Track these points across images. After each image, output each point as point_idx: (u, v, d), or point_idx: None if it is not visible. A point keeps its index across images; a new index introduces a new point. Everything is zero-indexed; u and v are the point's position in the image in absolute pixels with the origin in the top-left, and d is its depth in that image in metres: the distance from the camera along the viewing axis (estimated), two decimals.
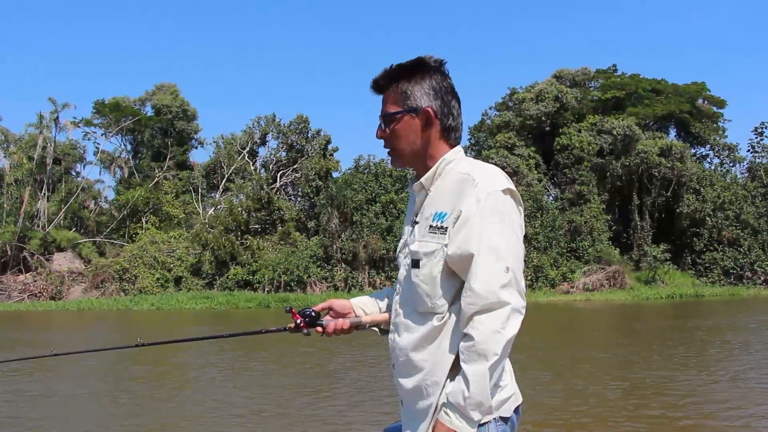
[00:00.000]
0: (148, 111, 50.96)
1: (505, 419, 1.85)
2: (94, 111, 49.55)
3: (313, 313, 2.17)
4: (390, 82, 1.95)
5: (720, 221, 36.83)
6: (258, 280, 33.03)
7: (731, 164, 42.44)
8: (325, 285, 33.56)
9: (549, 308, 26.93)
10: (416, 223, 1.95)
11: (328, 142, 41.76)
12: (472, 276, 1.75)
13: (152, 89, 52.38)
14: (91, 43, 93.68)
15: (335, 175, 40.45)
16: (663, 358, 11.32)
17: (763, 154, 42.65)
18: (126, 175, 46.97)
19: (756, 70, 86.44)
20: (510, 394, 1.89)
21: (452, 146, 1.97)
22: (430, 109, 1.91)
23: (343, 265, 34.22)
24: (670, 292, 31.21)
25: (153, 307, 29.50)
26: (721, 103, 42.65)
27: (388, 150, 2.00)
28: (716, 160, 42.95)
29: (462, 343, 1.76)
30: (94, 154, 49.06)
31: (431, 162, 1.94)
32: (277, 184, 40.76)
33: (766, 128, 42.96)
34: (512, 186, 1.85)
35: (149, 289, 33.11)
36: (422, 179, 1.94)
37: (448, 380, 1.83)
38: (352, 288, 33.22)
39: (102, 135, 49.45)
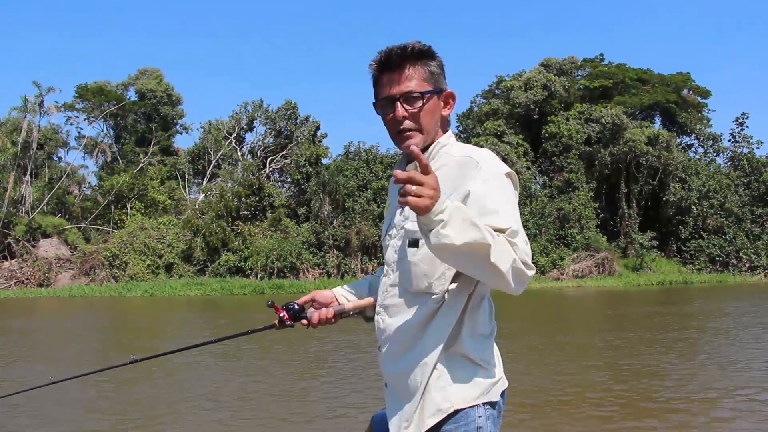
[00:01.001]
0: (131, 95, 50.35)
1: (492, 404, 1.86)
2: (77, 95, 48.81)
3: (296, 306, 2.16)
4: (416, 59, 1.90)
5: (705, 209, 37.55)
6: (250, 267, 32.91)
7: (714, 154, 43.18)
8: (317, 271, 33.57)
9: (542, 294, 27.24)
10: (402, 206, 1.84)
11: (318, 128, 41.59)
12: (496, 216, 1.70)
13: (135, 74, 51.68)
14: (72, 26, 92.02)
15: (325, 161, 40.35)
16: (657, 343, 11.54)
17: (743, 144, 43.50)
18: (109, 160, 46.33)
19: (738, 61, 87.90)
20: (497, 378, 1.89)
21: (445, 131, 1.99)
22: (454, 93, 1.96)
23: (335, 251, 34.23)
24: (661, 279, 31.75)
25: (146, 293, 29.25)
26: (705, 93, 43.30)
27: (411, 130, 1.90)
28: (701, 150, 43.69)
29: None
30: (75, 139, 48.48)
31: (429, 144, 1.94)
32: (266, 171, 40.53)
33: (746, 119, 43.85)
34: (509, 168, 1.86)
35: (140, 275, 32.81)
36: (415, 162, 1.86)
37: (438, 363, 1.82)
38: (345, 274, 33.27)
39: (84, 120, 48.84)
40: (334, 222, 34.82)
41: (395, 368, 1.91)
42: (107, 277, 33.26)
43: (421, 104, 1.89)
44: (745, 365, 8.94)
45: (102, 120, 49.03)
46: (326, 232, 34.37)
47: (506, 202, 1.75)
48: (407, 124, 1.90)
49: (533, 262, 1.73)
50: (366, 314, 2.17)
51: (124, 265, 33.50)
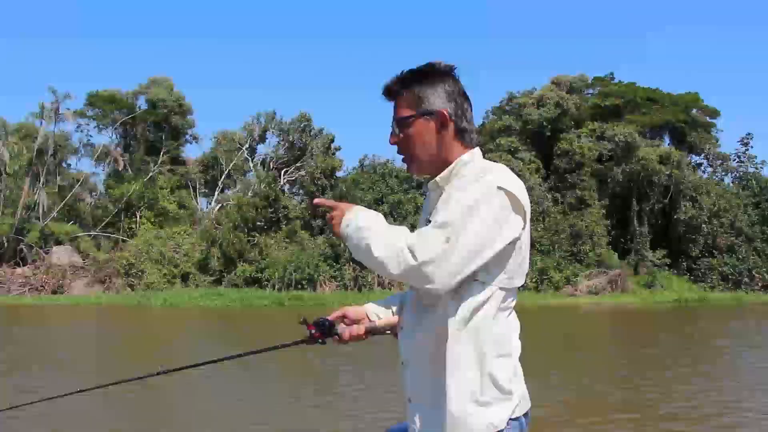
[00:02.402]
0: (141, 104, 50.36)
1: (514, 419, 1.87)
2: (87, 103, 48.82)
3: (327, 323, 2.16)
4: (402, 87, 1.95)
5: (715, 228, 37.94)
6: (267, 278, 32.92)
7: (723, 173, 43.70)
8: (334, 284, 33.61)
9: (562, 311, 27.47)
10: (429, 221, 1.92)
11: (332, 140, 41.78)
12: (422, 229, 1.78)
13: (146, 82, 51.78)
14: (82, 33, 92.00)
15: (339, 174, 40.50)
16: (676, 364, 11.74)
17: (748, 164, 44.08)
18: (121, 168, 46.29)
19: (746, 81, 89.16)
20: (518, 400, 1.88)
21: (468, 148, 1.97)
22: (444, 111, 1.92)
23: (352, 264, 34.30)
24: (678, 297, 32.04)
25: (166, 303, 29.21)
26: (714, 113, 43.84)
27: (403, 156, 1.99)
28: (709, 169, 44.18)
29: (416, 233, 1.77)
30: (83, 147, 48.37)
31: (448, 163, 1.95)
32: (281, 182, 40.63)
33: (750, 139, 44.46)
34: (513, 190, 1.82)
35: (156, 284, 32.75)
36: (437, 178, 1.96)
37: (456, 382, 1.83)
38: (362, 287, 33.32)
39: (95, 128, 48.82)
40: None
41: (416, 385, 1.93)
42: (123, 285, 33.16)
43: (405, 131, 1.94)
44: None
45: (111, 128, 49.07)
46: (342, 245, 34.41)
47: (460, 203, 1.76)
48: (401, 150, 1.99)
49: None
50: (397, 330, 2.16)
51: (140, 273, 33.42)
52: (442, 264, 1.70)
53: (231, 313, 26.07)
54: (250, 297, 30.13)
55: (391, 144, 1.99)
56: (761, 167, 43.61)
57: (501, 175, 1.87)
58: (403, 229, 1.77)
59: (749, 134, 44.30)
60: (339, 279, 33.83)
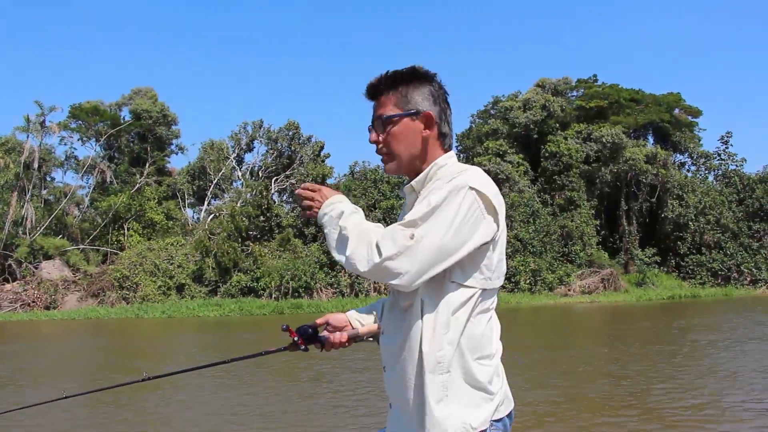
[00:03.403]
0: (125, 115, 49.94)
1: (497, 420, 1.87)
2: (70, 115, 48.29)
3: (310, 330, 2.15)
4: (389, 86, 1.96)
5: (702, 225, 38.65)
6: (263, 287, 32.81)
7: (707, 171, 44.53)
8: (330, 291, 33.62)
9: (555, 310, 27.79)
10: None
11: (322, 148, 41.83)
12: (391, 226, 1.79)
13: (129, 93, 51.40)
14: (62, 45, 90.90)
15: (329, 181, 40.53)
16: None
17: (728, 162, 44.96)
18: (108, 180, 45.82)
19: (726, 80, 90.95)
20: (500, 400, 1.89)
21: (445, 151, 1.99)
22: (431, 113, 1.94)
23: (347, 271, 34.32)
24: (671, 294, 32.59)
25: (164, 315, 29.00)
26: (696, 113, 44.68)
27: (384, 154, 1.99)
28: (693, 168, 45.01)
29: (390, 229, 1.77)
30: (66, 159, 47.82)
31: (424, 166, 1.96)
32: (272, 191, 40.56)
33: (730, 137, 45.39)
34: (484, 190, 1.80)
35: (152, 296, 32.47)
36: (413, 182, 1.98)
37: (436, 385, 1.81)
38: (359, 294, 33.39)
39: (78, 140, 48.34)
40: None
41: (396, 388, 1.92)
42: (118, 298, 32.82)
43: (388, 129, 1.94)
44: None
45: (94, 140, 48.60)
46: None
47: (430, 202, 1.77)
48: (381, 149, 1.98)
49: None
50: (379, 337, 2.13)
51: (134, 286, 33.11)
52: (404, 260, 1.70)
53: (231, 322, 25.95)
54: (249, 306, 30.01)
55: (372, 142, 1.99)
56: (741, 165, 44.55)
57: (473, 175, 1.84)
58: (377, 226, 1.80)
59: (728, 132, 45.32)
60: (335, 286, 33.85)
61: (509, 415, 1.93)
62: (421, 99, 1.94)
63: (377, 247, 1.71)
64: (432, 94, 1.96)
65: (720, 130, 73.86)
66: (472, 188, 1.78)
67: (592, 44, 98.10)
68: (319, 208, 1.88)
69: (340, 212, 1.84)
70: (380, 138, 1.97)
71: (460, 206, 1.76)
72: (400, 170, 1.99)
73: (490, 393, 1.85)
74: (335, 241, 1.81)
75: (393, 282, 1.72)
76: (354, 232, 1.77)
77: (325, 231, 1.85)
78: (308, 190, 1.92)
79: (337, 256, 1.82)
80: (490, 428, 1.83)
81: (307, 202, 1.90)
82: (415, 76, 1.97)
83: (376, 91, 1.99)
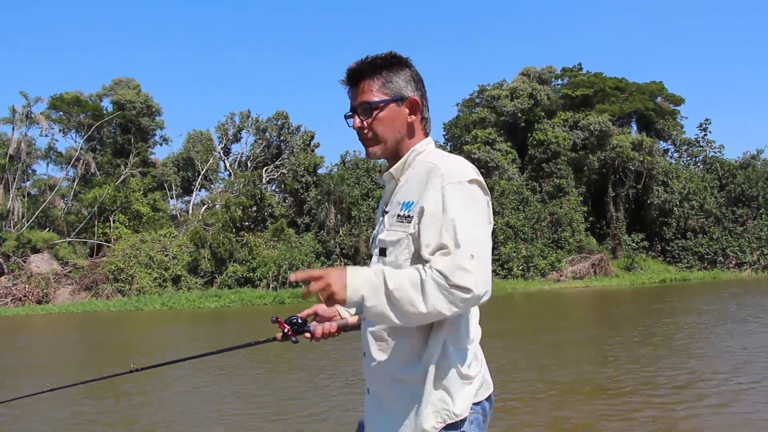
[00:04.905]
0: (107, 106, 49.17)
1: (476, 404, 1.89)
2: (50, 106, 47.39)
3: (299, 320, 2.16)
4: (371, 72, 1.96)
5: (686, 211, 39.55)
6: (259, 277, 32.79)
7: (688, 158, 45.48)
8: None
9: (549, 296, 28.32)
10: (386, 212, 1.98)
11: (312, 137, 41.74)
12: (436, 261, 1.72)
13: (109, 84, 50.57)
14: (40, 36, 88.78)
15: (321, 171, 40.52)
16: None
17: (707, 148, 45.97)
18: (92, 172, 45.13)
19: (706, 68, 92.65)
20: (480, 383, 1.92)
21: (426, 136, 2.02)
22: (416, 98, 1.97)
23: (343, 260, 34.48)
24: (663, 277, 33.40)
25: (164, 307, 28.85)
26: (678, 101, 45.55)
27: (368, 139, 1.98)
28: (676, 155, 45.92)
29: (419, 270, 1.71)
30: (50, 151, 46.95)
31: (403, 152, 1.98)
32: (263, 181, 40.40)
33: (709, 124, 46.40)
34: (478, 176, 1.85)
35: (148, 289, 32.22)
36: (392, 169, 1.99)
37: (416, 371, 1.84)
38: None
39: (60, 131, 47.49)
40: (340, 231, 35.06)
41: (375, 375, 1.94)
42: (113, 291, 32.50)
43: (375, 114, 1.94)
44: None
45: (75, 132, 47.81)
46: (333, 241, 34.58)
47: (457, 217, 1.75)
48: (366, 134, 1.97)
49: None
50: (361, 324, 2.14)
51: (129, 278, 32.81)
52: (481, 278, 1.69)
53: (231, 312, 25.89)
54: (249, 297, 29.99)
55: (356, 128, 1.98)
56: (720, 151, 45.60)
57: (462, 167, 1.86)
58: (411, 273, 1.71)
59: (707, 120, 46.27)
60: None
61: (489, 399, 1.95)
62: (404, 84, 1.96)
63: (456, 287, 1.66)
64: (413, 79, 1.98)
65: (701, 118, 75.47)
66: (471, 181, 1.82)
67: (576, 34, 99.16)
68: (336, 290, 1.70)
69: (372, 285, 1.70)
70: (365, 123, 1.96)
71: (477, 205, 1.81)
72: (385, 154, 1.99)
73: (468, 377, 1.86)
74: (404, 308, 1.69)
75: (483, 301, 1.72)
76: (417, 288, 1.68)
77: (377, 309, 1.71)
78: (305, 278, 1.73)
79: (415, 321, 1.73)
80: (471, 413, 1.85)
81: (316, 287, 1.70)
82: (395, 62, 1.98)
83: (357, 76, 1.97)
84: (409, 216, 1.84)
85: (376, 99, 1.93)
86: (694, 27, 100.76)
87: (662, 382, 8.26)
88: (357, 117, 1.96)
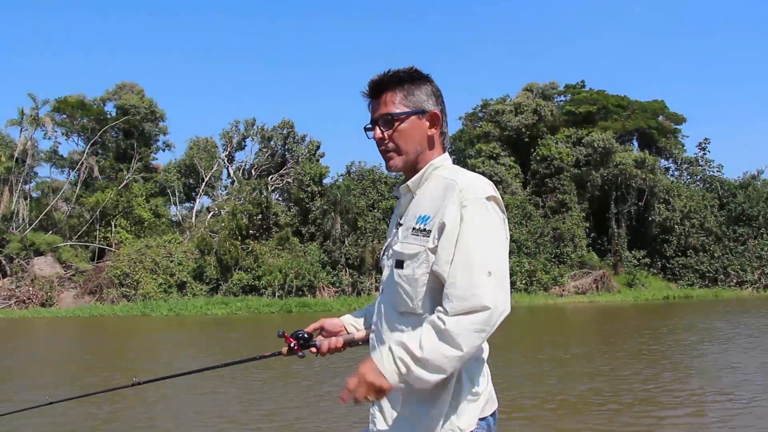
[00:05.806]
0: (111, 110, 49.20)
1: (482, 419, 1.90)
2: (54, 110, 47.35)
3: (305, 335, 2.17)
4: (393, 84, 1.97)
5: (687, 229, 39.97)
6: (264, 285, 32.83)
7: (689, 177, 45.98)
8: (333, 290, 33.81)
9: (554, 311, 28.53)
10: (400, 225, 1.97)
11: (318, 147, 41.91)
12: (453, 281, 1.74)
13: (113, 88, 50.62)
14: (45, 40, 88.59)
15: (326, 181, 40.65)
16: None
17: (706, 168, 46.53)
18: (94, 176, 45.07)
19: (708, 88, 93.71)
20: (486, 400, 1.93)
21: (444, 151, 2.03)
22: (437, 112, 1.98)
23: (349, 270, 34.59)
24: (665, 294, 33.72)
25: (171, 312, 28.83)
26: (680, 120, 46.09)
27: (390, 151, 1.98)
28: (677, 173, 46.43)
29: (434, 321, 1.73)
30: (53, 154, 46.89)
31: (421, 165, 1.98)
32: (268, 189, 40.50)
33: (708, 144, 47.01)
34: (496, 193, 1.86)
35: (153, 294, 32.18)
36: (409, 182, 1.98)
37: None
38: (361, 293, 33.66)
39: (63, 134, 47.43)
40: (346, 241, 35.19)
41: None
42: (118, 296, 32.43)
43: (396, 126, 1.94)
44: None
45: (77, 135, 47.77)
46: (338, 251, 34.68)
47: (475, 234, 1.77)
48: (387, 146, 1.97)
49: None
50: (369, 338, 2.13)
51: (135, 284, 32.76)
52: (499, 294, 1.72)
53: (238, 320, 25.90)
54: (256, 304, 30.01)
55: (377, 139, 1.98)
56: (719, 171, 46.18)
57: (480, 183, 1.88)
58: (427, 329, 1.73)
59: (706, 139, 46.90)
60: (337, 285, 34.06)
61: (493, 415, 1.96)
62: (425, 97, 1.97)
63: (474, 311, 1.69)
64: (434, 94, 1.99)
65: (702, 137, 76.57)
66: (489, 198, 1.83)
67: (578, 51, 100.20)
68: (372, 385, 1.72)
69: (399, 358, 1.72)
70: (385, 135, 1.96)
71: (495, 223, 1.82)
72: (405, 167, 1.98)
73: (476, 394, 1.88)
74: (436, 369, 1.71)
75: (503, 317, 1.74)
76: (436, 346, 1.70)
77: (418, 382, 1.73)
78: (352, 394, 1.75)
79: (459, 365, 1.75)
80: (476, 428, 1.86)
81: (361, 393, 1.73)
82: (417, 76, 2.00)
83: (379, 88, 1.99)
84: (426, 230, 1.83)
85: (398, 111, 1.94)
86: (696, 46, 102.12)
87: (664, 400, 8.44)
88: (378, 128, 1.97)
